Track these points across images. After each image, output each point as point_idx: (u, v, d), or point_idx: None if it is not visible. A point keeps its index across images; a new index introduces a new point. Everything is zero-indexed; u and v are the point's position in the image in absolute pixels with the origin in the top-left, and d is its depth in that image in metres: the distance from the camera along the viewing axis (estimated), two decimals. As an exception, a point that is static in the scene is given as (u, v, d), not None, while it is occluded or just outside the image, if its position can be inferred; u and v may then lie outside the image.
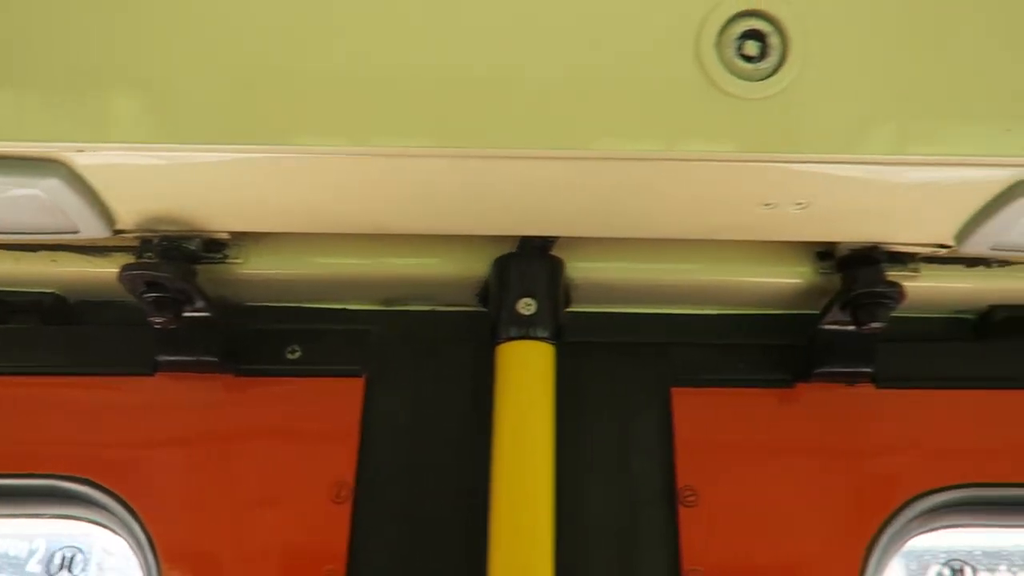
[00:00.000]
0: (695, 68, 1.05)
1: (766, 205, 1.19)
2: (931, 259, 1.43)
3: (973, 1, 1.08)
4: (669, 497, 1.42)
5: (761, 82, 1.05)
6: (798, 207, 1.19)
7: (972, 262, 1.45)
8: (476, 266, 1.43)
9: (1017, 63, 1.07)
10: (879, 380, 1.51)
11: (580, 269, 1.45)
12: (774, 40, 1.06)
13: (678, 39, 1.05)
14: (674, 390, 1.50)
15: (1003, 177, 1.13)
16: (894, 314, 1.57)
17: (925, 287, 1.48)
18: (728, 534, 1.40)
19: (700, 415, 1.48)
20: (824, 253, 1.42)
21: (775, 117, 1.05)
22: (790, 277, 1.46)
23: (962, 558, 1.56)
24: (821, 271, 1.43)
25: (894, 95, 1.07)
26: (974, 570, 1.55)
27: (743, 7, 1.05)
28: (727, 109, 1.05)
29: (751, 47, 1.06)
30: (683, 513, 1.41)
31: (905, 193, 1.17)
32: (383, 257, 1.45)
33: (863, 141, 1.07)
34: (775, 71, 1.05)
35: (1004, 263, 1.46)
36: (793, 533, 1.41)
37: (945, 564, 1.56)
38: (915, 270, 1.43)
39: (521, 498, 1.24)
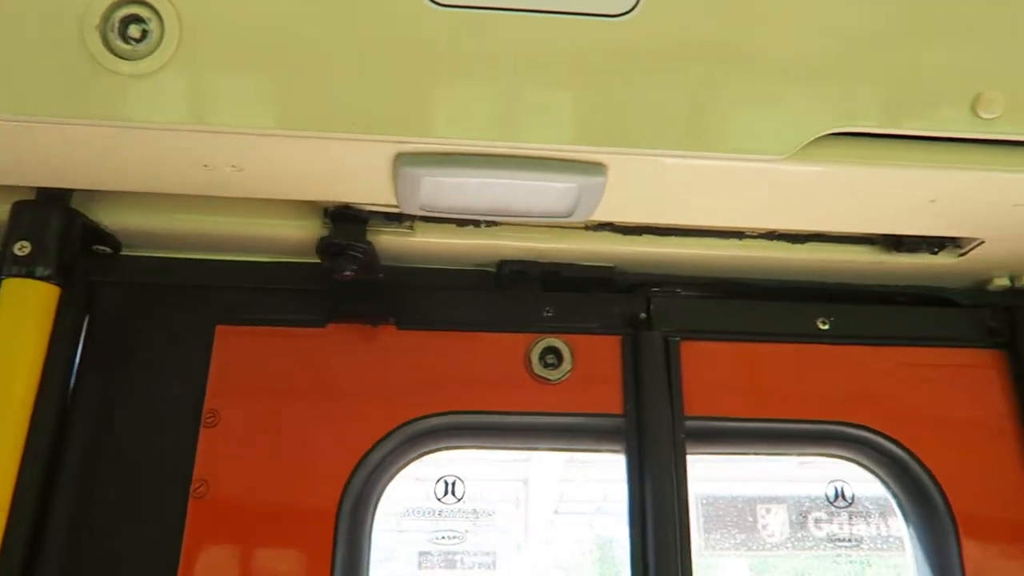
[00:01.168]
0: (80, 49, 1.22)
1: (205, 166, 1.38)
2: (426, 219, 1.65)
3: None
4: (195, 419, 1.63)
5: (142, 60, 1.23)
6: (234, 169, 1.38)
7: (462, 222, 1.67)
8: None
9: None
10: (401, 322, 1.73)
11: (116, 219, 1.62)
12: (153, 25, 1.24)
13: (64, 24, 1.23)
14: (219, 328, 1.70)
15: (389, 151, 1.33)
16: (428, 266, 1.81)
17: (441, 243, 1.70)
18: (239, 452, 1.62)
19: (239, 350, 1.69)
20: (326, 210, 1.62)
21: (156, 90, 1.24)
22: (309, 230, 1.66)
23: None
24: (325, 225, 1.63)
25: (279, 77, 1.26)
26: (463, 484, 1.81)
27: None
28: (110, 84, 1.23)
29: (135, 30, 1.24)
30: (203, 433, 1.63)
31: (326, 160, 1.36)
32: None
33: (245, 114, 1.26)
34: (154, 51, 1.24)
35: (492, 224, 1.68)
36: (296, 452, 1.64)
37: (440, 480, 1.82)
38: (410, 227, 1.65)
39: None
